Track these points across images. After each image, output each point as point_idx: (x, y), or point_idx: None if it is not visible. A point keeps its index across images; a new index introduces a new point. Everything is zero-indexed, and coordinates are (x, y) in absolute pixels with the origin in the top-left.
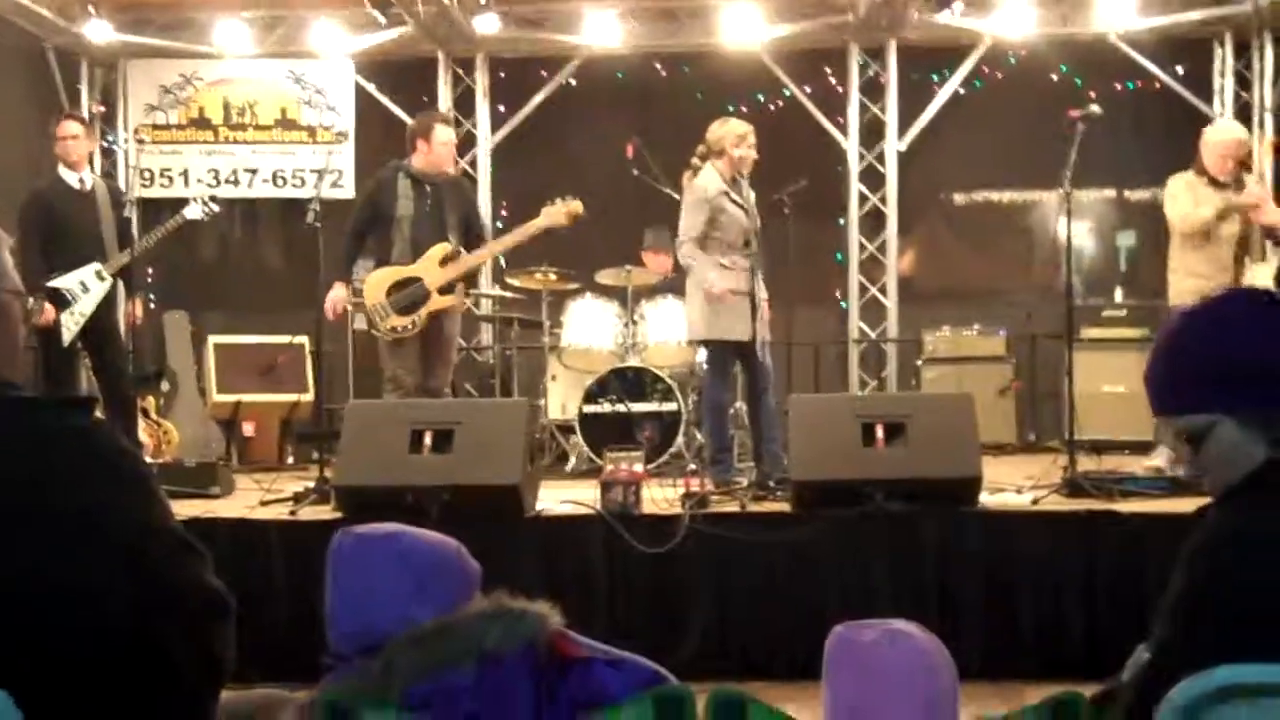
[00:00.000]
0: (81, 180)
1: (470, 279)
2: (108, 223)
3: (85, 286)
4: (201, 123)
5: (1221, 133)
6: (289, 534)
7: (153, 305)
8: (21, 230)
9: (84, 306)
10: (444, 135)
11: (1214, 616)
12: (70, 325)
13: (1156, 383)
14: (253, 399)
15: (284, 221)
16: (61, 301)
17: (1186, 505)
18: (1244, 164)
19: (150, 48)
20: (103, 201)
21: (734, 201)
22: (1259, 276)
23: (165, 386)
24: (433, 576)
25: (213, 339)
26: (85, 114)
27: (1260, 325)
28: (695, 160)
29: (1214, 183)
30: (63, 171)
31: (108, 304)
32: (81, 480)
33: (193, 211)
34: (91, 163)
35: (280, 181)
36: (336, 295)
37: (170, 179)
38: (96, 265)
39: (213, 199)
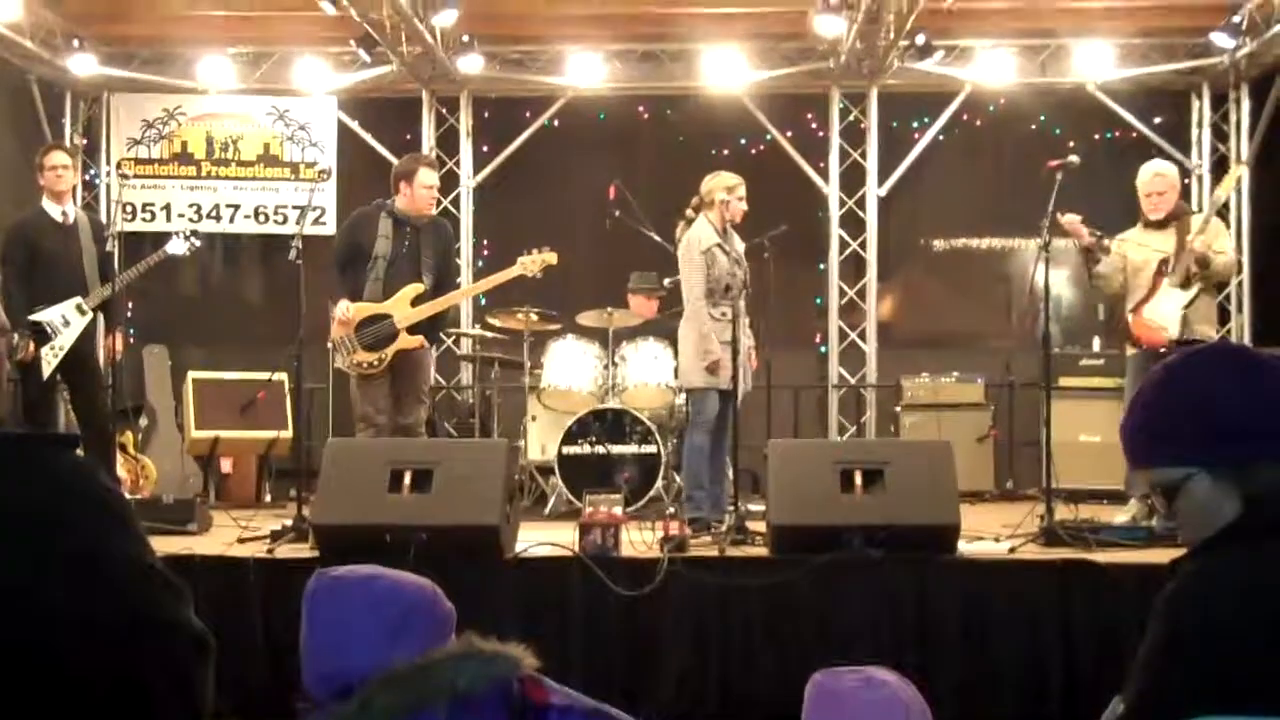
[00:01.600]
0: (64, 213)
1: (450, 321)
2: (89, 256)
3: (66, 320)
4: (184, 157)
5: (1142, 173)
6: (266, 572)
7: (132, 340)
8: (4, 262)
9: (64, 340)
10: (427, 179)
11: (1188, 667)
12: (50, 359)
13: (1132, 435)
14: (231, 435)
15: (265, 258)
16: (42, 335)
17: (1162, 556)
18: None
19: (134, 82)
20: (85, 234)
21: (725, 252)
22: (1166, 296)
23: (144, 422)
24: (408, 621)
25: (192, 374)
26: (67, 145)
27: (1236, 380)
28: (689, 212)
29: (1148, 224)
30: (46, 204)
31: (87, 338)
32: (66, 517)
33: (175, 246)
34: (74, 195)
35: (262, 218)
36: (341, 311)
37: (152, 213)
38: (78, 299)
39: (194, 234)
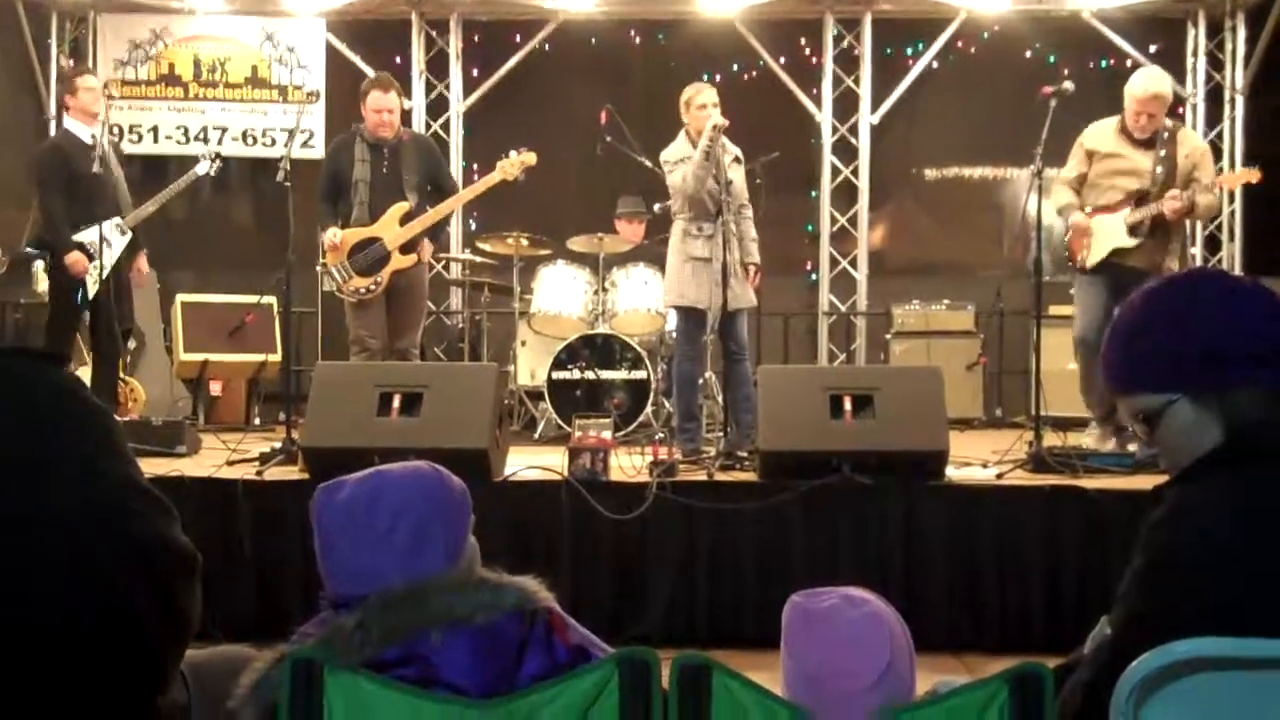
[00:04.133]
0: (93, 135)
1: (437, 241)
2: (119, 176)
3: (107, 241)
4: (172, 79)
5: (1135, 86)
6: (255, 494)
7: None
8: (43, 184)
9: (106, 260)
10: (375, 102)
11: (1174, 592)
12: (93, 279)
13: (1113, 361)
14: (220, 359)
15: (254, 181)
16: (86, 256)
17: (1149, 482)
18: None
19: (121, 2)
20: (112, 157)
21: (702, 166)
22: (1113, 225)
23: (132, 344)
24: (427, 528)
25: (180, 297)
26: (54, 70)
27: (1215, 306)
28: None
29: (1128, 136)
30: (72, 125)
31: (125, 258)
32: (52, 432)
33: (202, 167)
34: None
35: (250, 140)
36: (329, 237)
37: (140, 135)
38: (116, 219)
39: (219, 155)
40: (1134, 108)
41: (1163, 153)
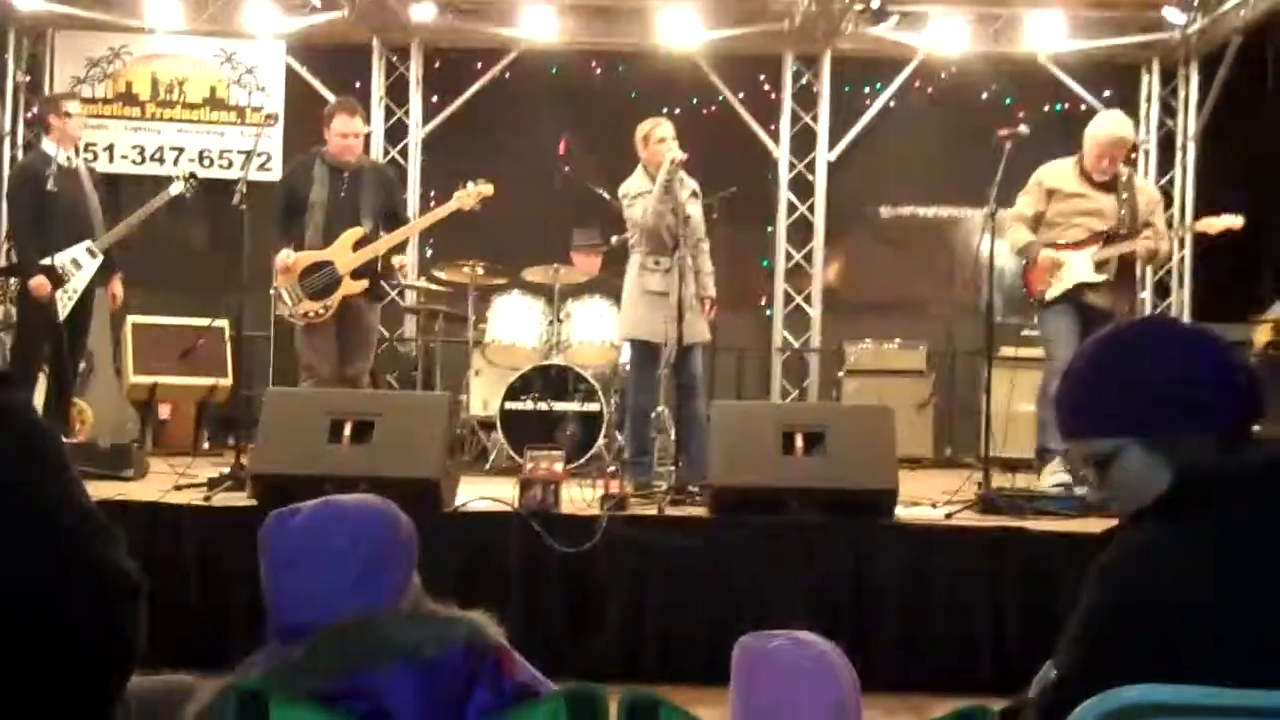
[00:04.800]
0: (68, 157)
1: (388, 271)
2: (93, 200)
3: (78, 263)
4: (129, 98)
5: (1100, 129)
6: (202, 520)
7: None
8: (14, 205)
9: (77, 284)
10: (341, 126)
11: (1119, 636)
12: (65, 302)
13: (1066, 406)
14: (170, 381)
15: (209, 203)
16: (56, 279)
17: (1095, 526)
18: (1127, 161)
19: (79, 19)
20: (86, 179)
21: (662, 200)
22: (1079, 262)
23: (82, 366)
24: (380, 557)
25: (131, 319)
26: (10, 85)
27: (1168, 353)
28: None
29: (1088, 178)
30: (48, 147)
31: (95, 282)
32: None
33: (176, 188)
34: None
35: (207, 161)
36: (282, 258)
37: (95, 153)
38: (87, 242)
39: (193, 176)
40: (1095, 150)
41: (1124, 195)
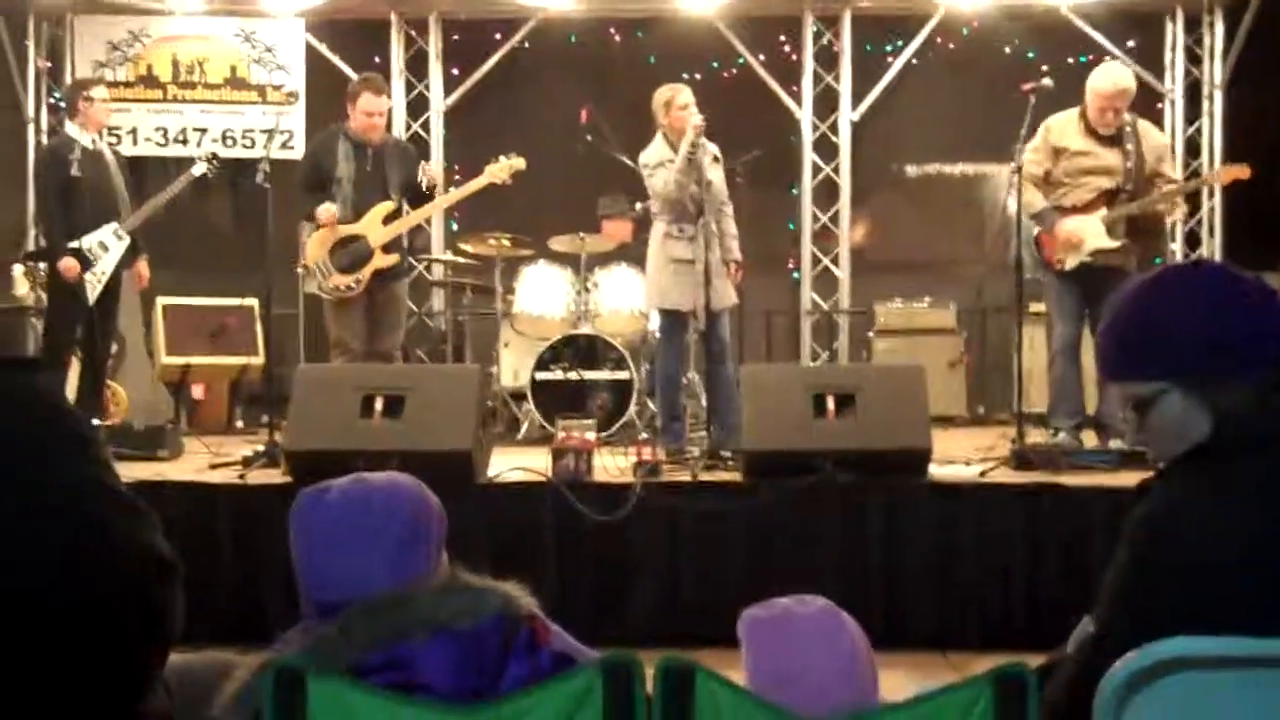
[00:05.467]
0: (94, 140)
1: (415, 246)
2: (119, 182)
3: (105, 246)
4: (150, 80)
5: (1100, 81)
6: (238, 498)
7: None
8: (40, 189)
9: (105, 266)
10: (367, 104)
11: (1155, 591)
12: (94, 285)
13: (1106, 347)
14: (202, 361)
15: (233, 182)
16: (84, 262)
17: (1131, 479)
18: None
19: (99, 3)
20: (111, 161)
21: (684, 168)
22: (1090, 225)
23: (114, 348)
24: (412, 534)
25: (161, 300)
26: (31, 69)
27: (1211, 298)
28: None
29: (1093, 132)
30: (72, 131)
31: (122, 264)
32: (27, 439)
33: (199, 168)
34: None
35: (230, 141)
36: (325, 210)
37: (118, 137)
38: (114, 224)
39: (215, 156)
40: (1098, 104)
41: (1129, 147)
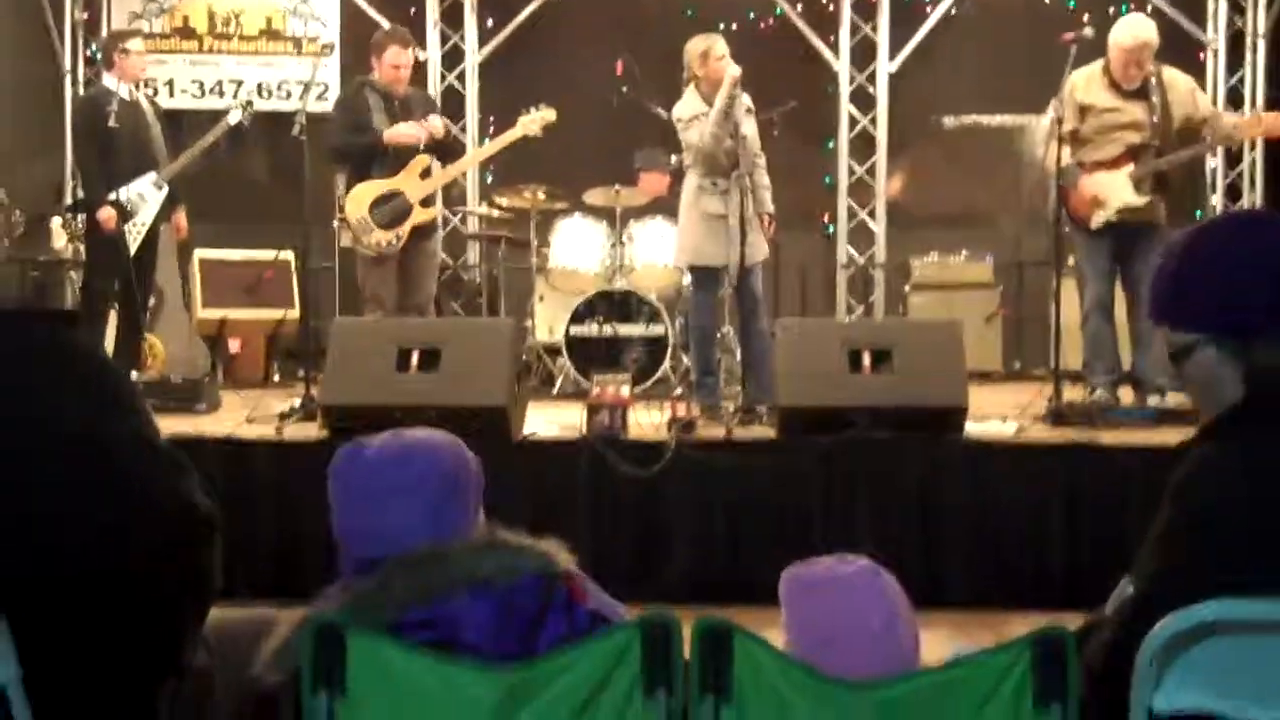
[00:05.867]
0: (131, 90)
1: (450, 198)
2: (157, 133)
3: (144, 197)
4: (186, 32)
5: (1123, 35)
6: (275, 452)
7: None
8: (78, 140)
9: (144, 216)
10: (393, 58)
11: (1195, 552)
12: (134, 236)
13: (1154, 291)
14: (238, 315)
15: (269, 134)
16: (123, 213)
17: (1170, 437)
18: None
19: None
20: (149, 112)
21: (718, 122)
22: (1119, 181)
23: (151, 301)
24: (450, 490)
25: (198, 253)
26: (68, 23)
27: (1254, 250)
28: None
29: (1117, 87)
30: (109, 82)
31: (161, 215)
32: (66, 393)
33: (234, 116)
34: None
35: (266, 94)
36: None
37: (155, 89)
38: (153, 174)
39: (249, 104)
40: (1122, 58)
41: (1154, 99)
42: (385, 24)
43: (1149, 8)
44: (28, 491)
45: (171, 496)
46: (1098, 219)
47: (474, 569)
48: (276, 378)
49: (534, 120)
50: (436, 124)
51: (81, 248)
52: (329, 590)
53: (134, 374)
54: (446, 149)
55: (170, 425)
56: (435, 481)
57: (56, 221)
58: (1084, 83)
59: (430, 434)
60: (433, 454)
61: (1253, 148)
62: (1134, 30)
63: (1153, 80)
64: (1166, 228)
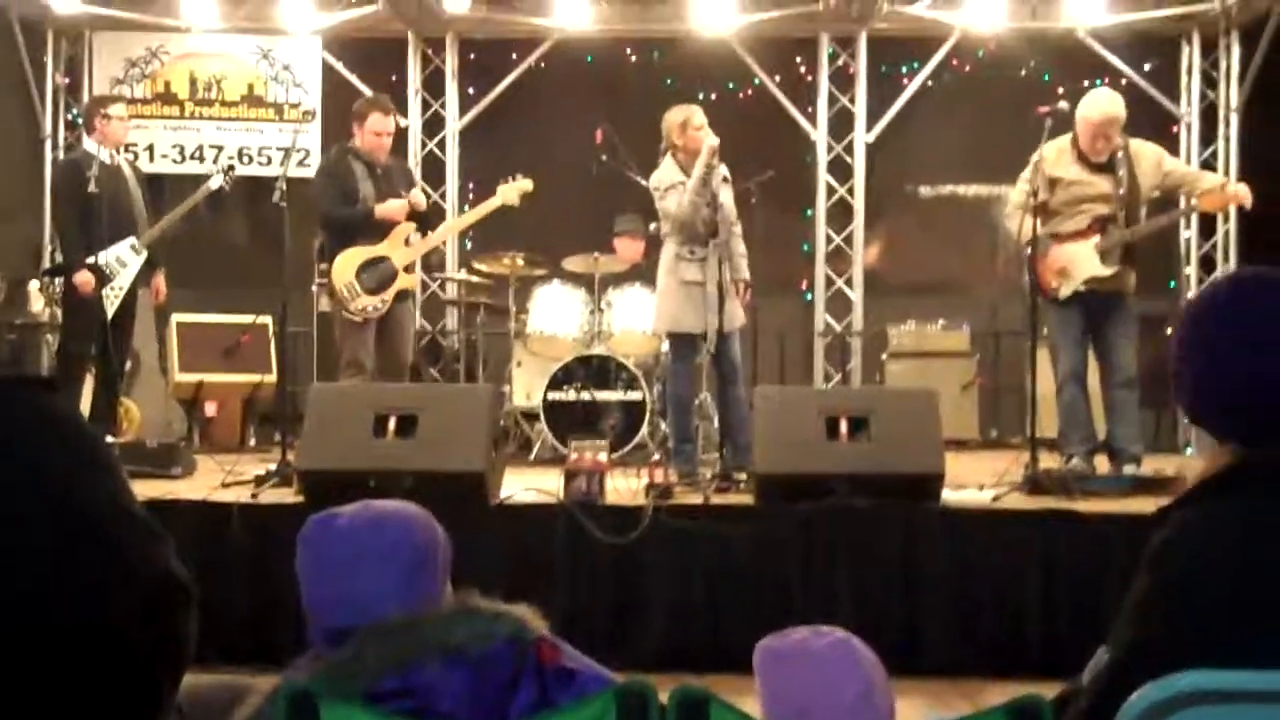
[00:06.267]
0: (112, 155)
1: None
2: (138, 197)
3: (122, 261)
4: (167, 97)
5: (1090, 110)
6: (251, 516)
7: None
8: (58, 204)
9: (122, 281)
10: (375, 124)
11: (1173, 619)
12: (112, 299)
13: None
14: (215, 379)
15: (249, 200)
16: (101, 276)
17: (1146, 505)
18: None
19: (116, 20)
20: (129, 177)
21: (697, 191)
22: (1084, 253)
23: (128, 364)
24: (420, 562)
25: (176, 317)
26: (50, 87)
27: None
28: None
29: (1085, 160)
30: (90, 146)
31: (139, 280)
32: (42, 457)
33: (215, 182)
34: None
35: (246, 159)
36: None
37: (135, 154)
38: (131, 239)
39: (231, 169)
40: (1090, 132)
41: (1121, 173)
42: (367, 91)
43: (1123, 81)
44: (3, 559)
45: (147, 563)
46: (1065, 290)
47: (447, 636)
48: (253, 442)
49: (512, 189)
50: (420, 198)
51: (59, 311)
52: (299, 661)
53: (110, 438)
54: (427, 217)
55: (145, 489)
56: (408, 550)
57: (34, 285)
58: (1053, 156)
59: (400, 504)
60: (405, 523)
61: (1226, 219)
62: (1101, 105)
63: (1119, 154)
64: (1135, 297)
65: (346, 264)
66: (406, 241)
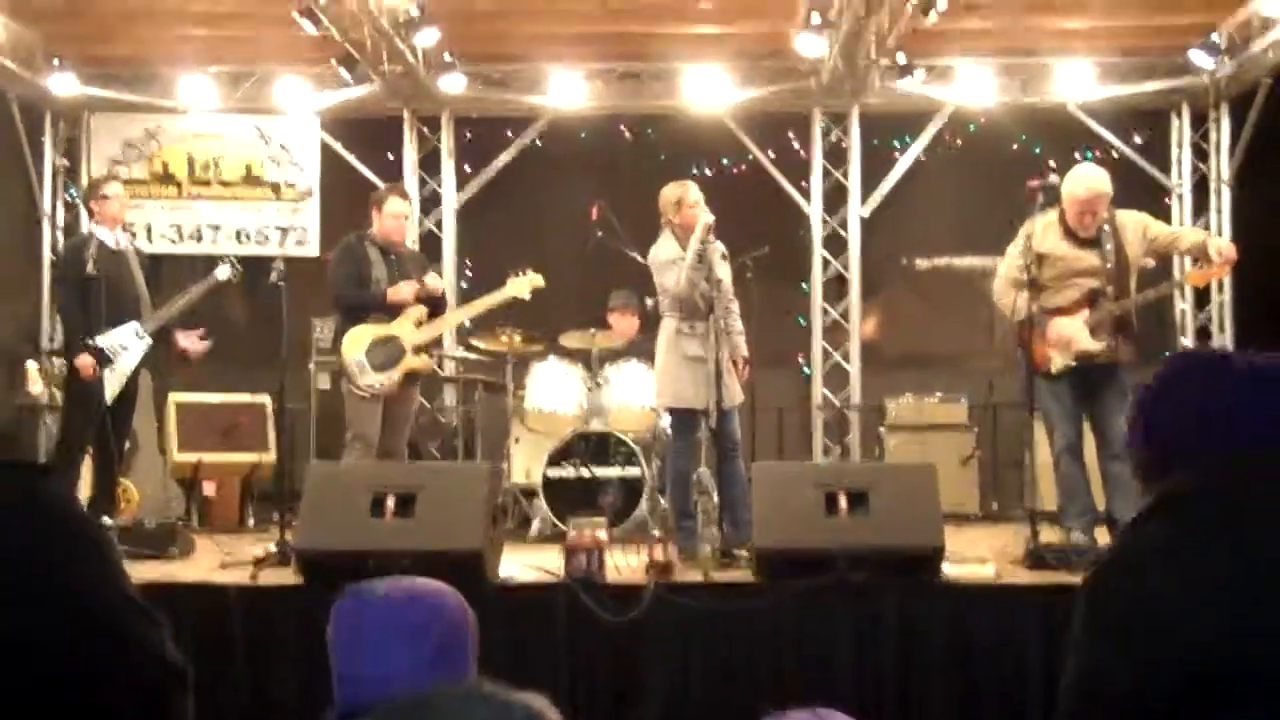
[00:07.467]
0: (116, 239)
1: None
2: (140, 281)
3: (124, 345)
4: (165, 177)
5: (1076, 186)
6: (249, 598)
7: None
8: (59, 287)
9: (124, 365)
10: (395, 208)
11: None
12: (114, 384)
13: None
14: (214, 459)
15: (246, 279)
16: (103, 359)
17: None
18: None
19: (114, 101)
20: (133, 260)
21: (695, 265)
22: (1075, 327)
23: (126, 445)
24: (451, 641)
25: (174, 397)
26: (48, 168)
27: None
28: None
29: (1073, 235)
30: (95, 229)
31: (141, 365)
32: (38, 545)
33: (223, 272)
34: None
35: (244, 239)
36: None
37: (133, 234)
38: (135, 324)
39: (239, 260)
40: (1076, 208)
41: (1109, 247)
42: (364, 169)
43: (1115, 154)
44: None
45: (144, 650)
46: (1056, 364)
47: (459, 718)
48: (251, 521)
49: (524, 284)
50: (438, 282)
51: (57, 393)
52: None
53: (108, 519)
54: (438, 301)
55: (144, 571)
56: (437, 629)
57: (32, 365)
58: (1041, 231)
59: (434, 583)
60: (435, 602)
61: (1220, 289)
62: (1087, 181)
63: (1105, 226)
64: (1130, 368)
65: (356, 341)
66: (418, 324)
